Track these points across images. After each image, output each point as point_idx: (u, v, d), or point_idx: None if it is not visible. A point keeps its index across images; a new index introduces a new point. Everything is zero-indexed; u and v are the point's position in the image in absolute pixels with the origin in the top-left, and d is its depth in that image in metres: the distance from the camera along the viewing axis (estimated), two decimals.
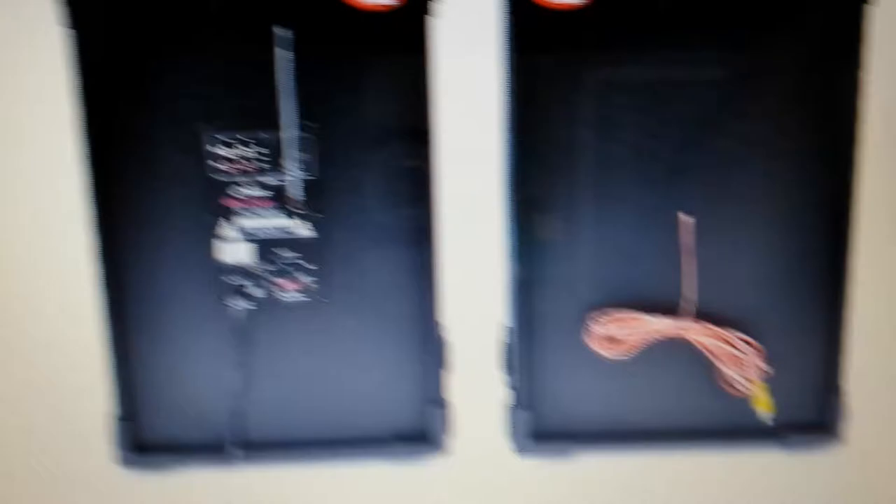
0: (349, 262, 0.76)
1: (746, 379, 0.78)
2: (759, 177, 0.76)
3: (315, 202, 0.74)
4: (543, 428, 0.80)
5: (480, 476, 0.79)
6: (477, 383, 0.81)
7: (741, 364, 0.78)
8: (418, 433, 0.79)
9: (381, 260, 0.76)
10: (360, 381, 0.79)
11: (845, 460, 0.80)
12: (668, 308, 0.77)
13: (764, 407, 0.78)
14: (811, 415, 0.80)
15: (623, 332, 0.77)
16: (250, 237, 0.75)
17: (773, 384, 0.78)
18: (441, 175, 0.75)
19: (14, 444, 0.84)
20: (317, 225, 0.75)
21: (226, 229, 0.75)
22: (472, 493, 0.78)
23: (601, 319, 0.77)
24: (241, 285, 0.76)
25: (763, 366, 0.78)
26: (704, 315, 0.78)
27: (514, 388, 0.80)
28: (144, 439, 0.79)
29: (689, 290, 0.77)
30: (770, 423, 0.78)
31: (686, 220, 0.76)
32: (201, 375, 0.78)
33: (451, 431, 0.80)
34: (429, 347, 0.78)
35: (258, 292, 0.76)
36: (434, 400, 0.79)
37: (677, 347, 0.78)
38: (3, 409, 0.88)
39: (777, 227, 0.77)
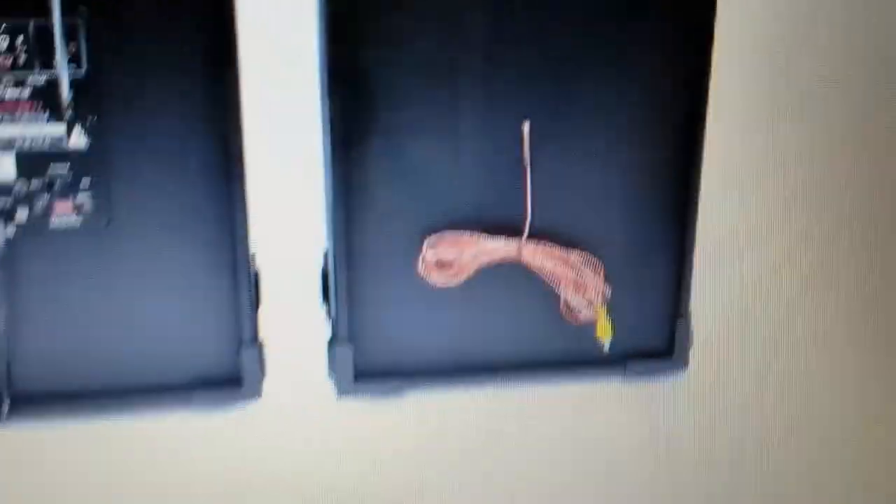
0: (135, 179, 0.65)
1: (587, 304, 0.72)
2: (605, 87, 0.69)
3: (89, 104, 0.62)
4: (369, 365, 0.71)
5: (300, 422, 0.71)
6: (294, 318, 0.71)
7: (582, 288, 0.72)
8: (227, 377, 0.69)
9: (175, 176, 0.65)
10: (155, 320, 0.68)
11: (690, 388, 0.77)
12: (507, 229, 0.70)
13: (604, 334, 0.72)
14: (656, 342, 0.75)
15: (454, 256, 0.70)
16: (9, 147, 0.62)
17: (616, 309, 0.72)
18: (248, 80, 0.64)
19: None
20: (93, 132, 0.63)
21: None
22: (292, 442, 0.70)
23: (429, 242, 0.69)
24: (2, 208, 0.63)
25: (605, 289, 0.72)
26: (543, 235, 0.71)
27: (333, 320, 0.71)
28: None
29: (527, 207, 0.70)
30: (608, 350, 0.72)
31: (525, 128, 0.69)
32: None
33: (265, 374, 0.70)
34: (237, 279, 0.68)
35: (22, 216, 0.63)
36: (245, 339, 0.69)
37: (516, 272, 0.71)
38: None
39: (622, 141, 0.71)
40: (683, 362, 0.76)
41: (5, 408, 0.66)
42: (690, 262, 0.74)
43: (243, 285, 0.68)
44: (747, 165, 0.79)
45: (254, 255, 0.68)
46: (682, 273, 0.74)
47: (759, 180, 0.78)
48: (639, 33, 0.69)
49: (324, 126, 0.68)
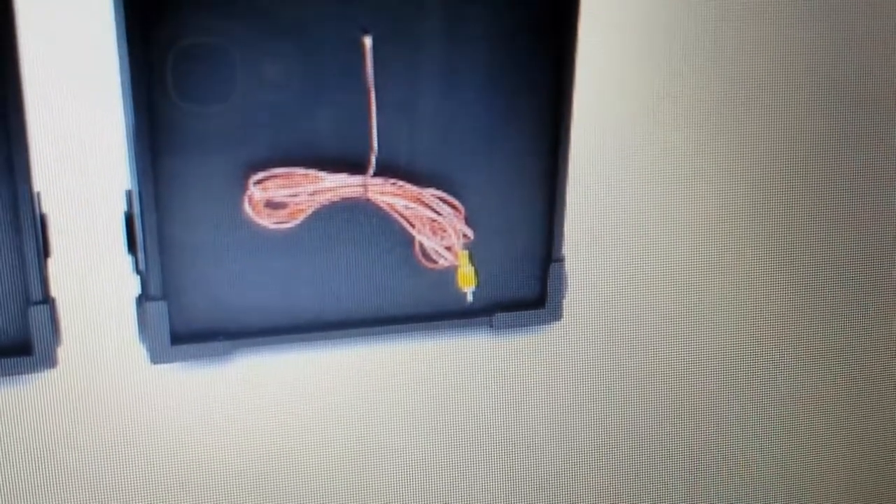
0: None
1: (446, 248, 0.63)
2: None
3: None
4: (187, 325, 0.61)
5: (106, 395, 0.60)
6: (95, 272, 0.60)
7: (439, 230, 0.62)
8: (14, 343, 0.58)
9: None
10: None
11: (562, 338, 0.69)
12: (351, 165, 0.60)
13: (467, 282, 0.64)
14: (526, 291, 0.67)
15: (289, 195, 0.59)
16: None
17: (480, 255, 0.64)
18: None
19: None
20: None
21: None
22: (95, 419, 0.59)
23: (259, 178, 0.59)
24: None
25: (466, 232, 0.63)
26: (394, 172, 0.61)
27: (142, 273, 0.60)
28: None
29: (372, 137, 0.60)
30: (471, 301, 0.64)
31: (366, 42, 0.58)
32: None
33: (60, 339, 0.59)
34: (19, 223, 0.56)
35: None
36: (33, 297, 0.57)
37: (361, 213, 0.62)
38: None
39: (484, 56, 0.61)
40: (557, 313, 0.68)
41: None
42: (563, 200, 0.66)
43: (27, 231, 0.56)
44: (625, 92, 0.71)
45: (38, 195, 0.56)
46: (553, 213, 0.66)
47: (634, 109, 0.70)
48: None
49: (119, 40, 0.56)
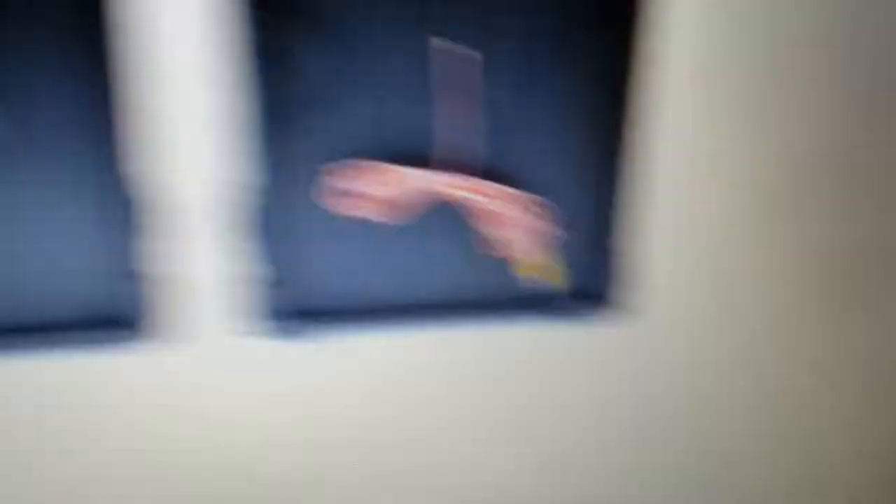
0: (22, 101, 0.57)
1: (524, 244, 0.65)
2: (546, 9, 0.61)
3: None
4: (286, 305, 0.65)
5: (212, 369, 0.65)
6: (206, 253, 0.63)
7: (515, 226, 0.64)
8: (114, 316, 0.63)
9: (47, 87, 0.57)
10: (32, 252, 0.61)
11: (637, 333, 0.71)
12: (433, 162, 0.63)
13: (539, 272, 0.66)
14: (598, 284, 0.69)
15: (373, 188, 0.62)
16: None
17: (556, 249, 0.66)
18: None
19: None
20: None
21: None
22: (203, 389, 0.63)
23: (344, 172, 0.62)
24: None
25: (546, 228, 0.65)
26: (471, 168, 0.63)
27: (251, 256, 0.63)
28: None
29: (460, 137, 0.62)
30: (546, 291, 0.66)
31: (440, 46, 0.60)
32: None
33: (168, 312, 0.64)
34: (120, 207, 0.60)
35: None
36: (136, 274, 0.62)
37: (443, 206, 0.64)
38: None
39: (565, 65, 0.63)
40: (629, 306, 0.70)
41: None
42: (639, 197, 0.67)
43: (131, 210, 0.60)
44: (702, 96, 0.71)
45: (147, 177, 0.60)
46: (629, 210, 0.67)
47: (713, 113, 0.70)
48: None
49: (245, 32, 0.59)
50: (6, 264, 0.61)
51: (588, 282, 0.69)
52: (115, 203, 0.60)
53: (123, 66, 0.57)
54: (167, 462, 0.64)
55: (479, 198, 0.63)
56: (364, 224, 0.64)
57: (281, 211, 0.63)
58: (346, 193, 0.62)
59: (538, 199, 0.65)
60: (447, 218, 0.65)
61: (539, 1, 0.61)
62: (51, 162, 0.59)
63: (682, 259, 0.71)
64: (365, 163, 0.62)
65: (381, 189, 0.62)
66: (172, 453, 0.64)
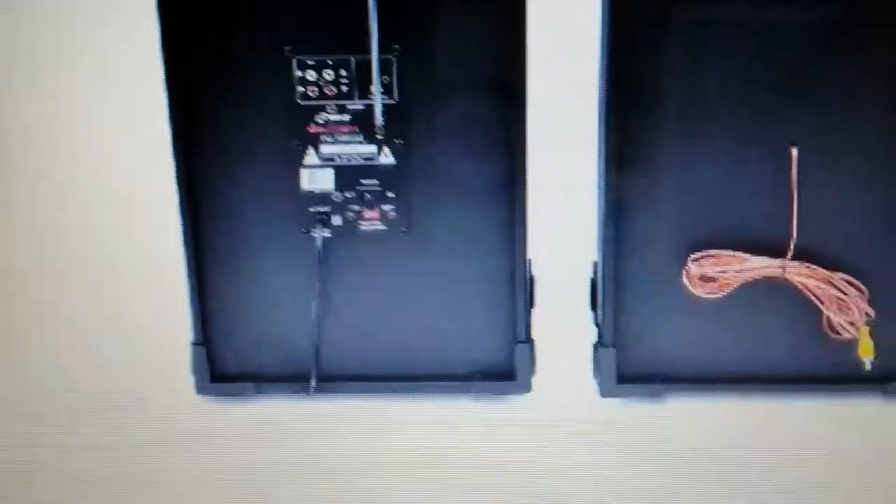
0: (431, 192, 0.73)
1: (850, 323, 0.73)
2: (870, 108, 0.71)
3: (397, 128, 0.72)
4: (631, 369, 0.77)
5: (564, 417, 0.77)
6: (564, 322, 0.77)
7: (845, 307, 0.73)
8: (502, 371, 0.77)
9: (465, 192, 0.73)
10: (442, 316, 0.77)
11: None
12: (768, 247, 0.73)
13: (866, 352, 0.74)
14: None
15: (719, 271, 0.73)
16: (331, 164, 0.73)
17: (878, 331, 0.73)
18: (533, 102, 0.71)
19: (95, 371, 0.84)
20: (398, 152, 0.72)
21: (308, 156, 0.73)
22: (555, 434, 0.76)
23: (696, 257, 0.73)
24: (321, 213, 0.74)
25: (868, 309, 0.73)
26: (808, 255, 0.73)
27: (600, 325, 0.76)
28: (221, 369, 0.78)
29: (793, 228, 0.72)
30: (869, 369, 0.74)
31: (793, 153, 0.71)
32: (280, 305, 0.77)
33: (535, 370, 0.77)
34: (515, 283, 0.75)
35: (337, 220, 0.74)
36: (520, 337, 0.76)
37: (775, 289, 0.74)
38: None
39: (886, 161, 0.72)
40: None
41: (314, 384, 0.77)
42: None
43: (520, 288, 0.75)
44: None
45: (530, 261, 0.75)
46: None
47: None
48: None
49: (599, 148, 0.73)
50: (416, 322, 0.77)
51: None
52: (506, 279, 0.75)
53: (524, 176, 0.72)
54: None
55: (819, 283, 0.73)
56: (711, 303, 0.74)
57: (636, 290, 0.75)
58: (690, 274, 0.74)
59: (862, 283, 0.73)
60: (787, 299, 0.74)
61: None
62: (456, 246, 0.75)
63: None
64: (713, 250, 0.73)
65: (726, 273, 0.73)
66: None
